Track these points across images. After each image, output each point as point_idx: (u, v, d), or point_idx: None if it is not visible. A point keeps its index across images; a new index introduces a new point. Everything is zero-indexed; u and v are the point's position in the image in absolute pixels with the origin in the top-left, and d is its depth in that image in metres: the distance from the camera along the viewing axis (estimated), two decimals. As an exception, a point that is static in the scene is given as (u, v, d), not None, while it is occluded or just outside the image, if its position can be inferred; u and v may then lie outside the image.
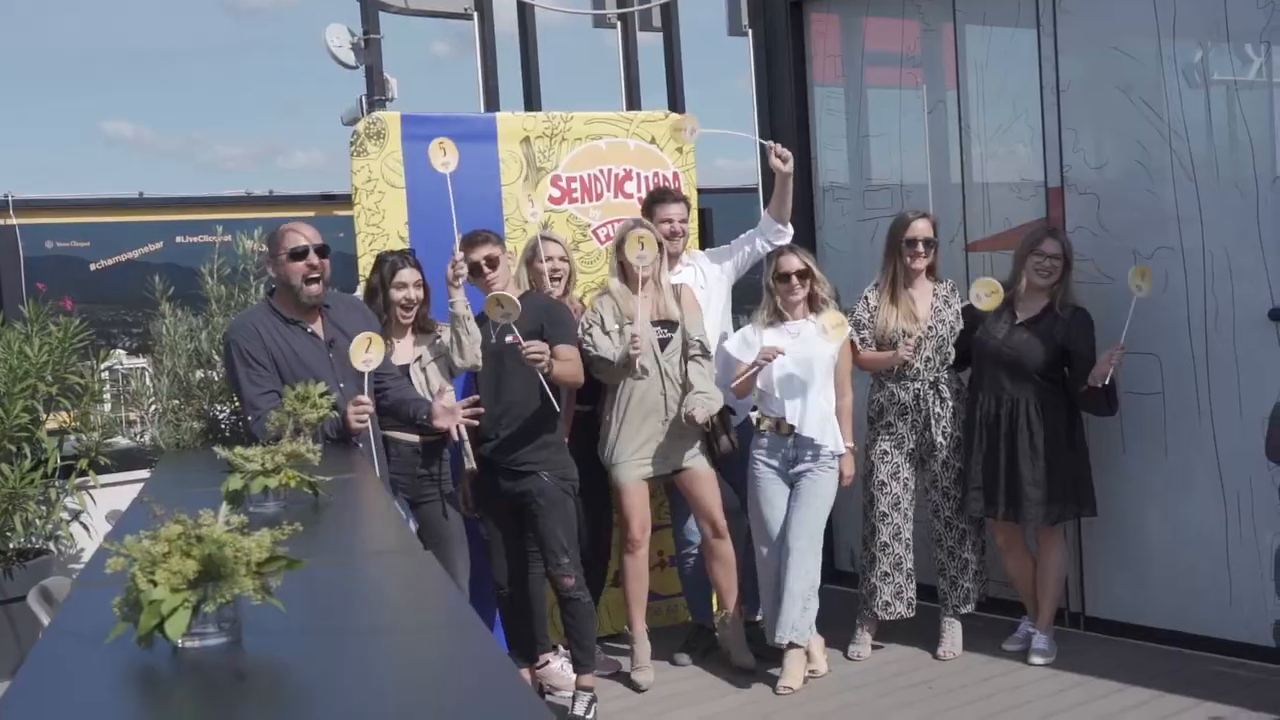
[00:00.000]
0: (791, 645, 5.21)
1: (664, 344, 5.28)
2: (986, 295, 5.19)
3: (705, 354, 5.31)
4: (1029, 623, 5.55)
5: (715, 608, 5.68)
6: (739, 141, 6.52)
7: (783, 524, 5.25)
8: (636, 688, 5.37)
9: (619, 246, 5.27)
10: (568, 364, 4.95)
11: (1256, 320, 5.04)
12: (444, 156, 4.88)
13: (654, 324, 5.28)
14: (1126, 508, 5.50)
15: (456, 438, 4.78)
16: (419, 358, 5.01)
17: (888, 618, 5.57)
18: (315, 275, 4.45)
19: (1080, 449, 5.32)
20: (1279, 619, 5.03)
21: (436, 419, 4.60)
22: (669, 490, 5.66)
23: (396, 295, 4.94)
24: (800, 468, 5.24)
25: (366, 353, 4.35)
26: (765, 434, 5.29)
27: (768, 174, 5.88)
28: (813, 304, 5.30)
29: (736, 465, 5.53)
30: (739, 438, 5.44)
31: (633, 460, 5.30)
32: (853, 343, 5.42)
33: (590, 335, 5.18)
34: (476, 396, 4.84)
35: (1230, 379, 5.15)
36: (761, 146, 5.81)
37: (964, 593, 5.56)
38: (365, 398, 4.36)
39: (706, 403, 5.19)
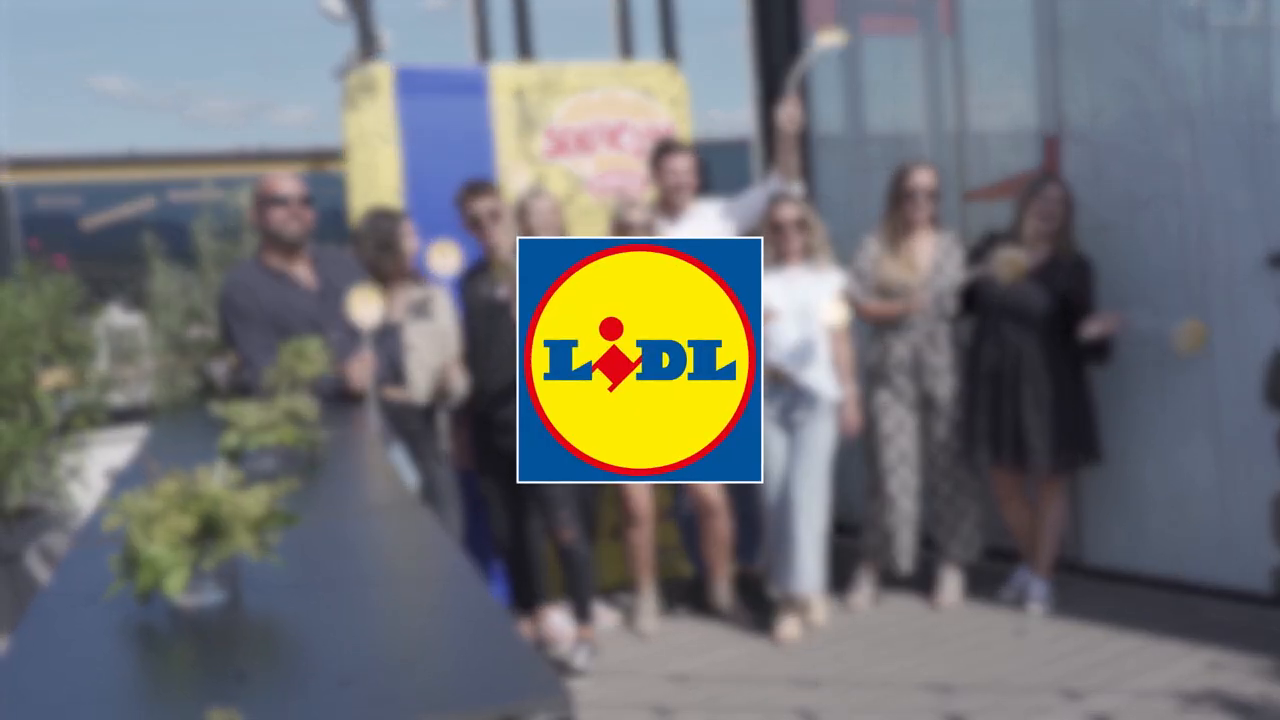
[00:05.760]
0: (793, 596, 5.24)
1: None
2: (1008, 266, 5.13)
3: None
4: (1027, 571, 5.58)
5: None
6: (731, 93, 6.48)
7: (784, 475, 5.27)
8: (636, 639, 5.41)
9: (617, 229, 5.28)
10: None
11: (1254, 267, 5.02)
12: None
13: None
14: (1124, 455, 5.50)
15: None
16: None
17: (900, 571, 5.58)
18: (294, 216, 4.45)
19: (1085, 397, 5.32)
20: (1276, 565, 5.07)
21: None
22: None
23: (409, 246, 4.93)
24: (798, 415, 5.24)
25: (365, 307, 4.33)
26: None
27: (762, 126, 5.84)
28: (807, 253, 5.27)
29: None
30: None
31: None
32: (853, 296, 5.42)
33: None
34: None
35: (1227, 326, 5.13)
36: (772, 100, 5.72)
37: (963, 542, 5.58)
38: (369, 355, 4.33)
39: None
